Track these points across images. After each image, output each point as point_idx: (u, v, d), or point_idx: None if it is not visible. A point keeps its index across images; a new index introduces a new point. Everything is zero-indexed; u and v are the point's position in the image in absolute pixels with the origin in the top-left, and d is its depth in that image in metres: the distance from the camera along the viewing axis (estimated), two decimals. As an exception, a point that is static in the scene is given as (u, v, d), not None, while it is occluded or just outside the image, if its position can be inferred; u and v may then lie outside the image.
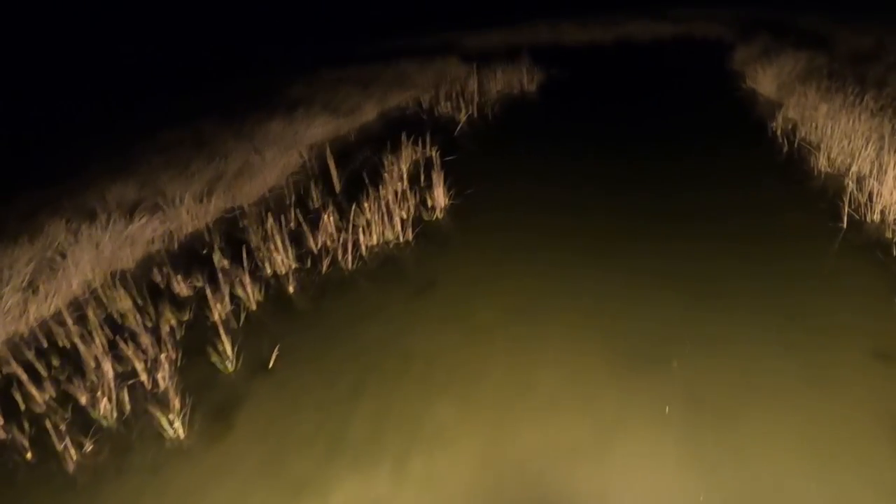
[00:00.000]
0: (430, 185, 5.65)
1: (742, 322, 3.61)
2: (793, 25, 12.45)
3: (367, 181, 5.93)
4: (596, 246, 4.68)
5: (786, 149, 6.44)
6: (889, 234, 4.52)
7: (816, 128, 6.61)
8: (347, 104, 9.05)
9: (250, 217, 5.52)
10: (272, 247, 4.70)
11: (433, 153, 6.78)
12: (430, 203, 5.57)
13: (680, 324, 3.63)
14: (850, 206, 4.82)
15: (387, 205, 5.22)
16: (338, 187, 6.13)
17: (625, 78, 10.74)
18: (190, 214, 5.70)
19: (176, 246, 5.29)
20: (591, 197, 5.63)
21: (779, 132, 6.95)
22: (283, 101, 9.67)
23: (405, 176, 6.08)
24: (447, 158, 6.64)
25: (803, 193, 5.41)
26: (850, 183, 5.16)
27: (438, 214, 5.48)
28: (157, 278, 4.59)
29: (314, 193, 5.85)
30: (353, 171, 6.58)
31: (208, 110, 9.74)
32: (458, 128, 7.95)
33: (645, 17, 14.58)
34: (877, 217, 4.75)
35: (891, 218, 4.70)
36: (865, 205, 4.86)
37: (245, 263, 4.51)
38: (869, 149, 5.62)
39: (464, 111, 8.50)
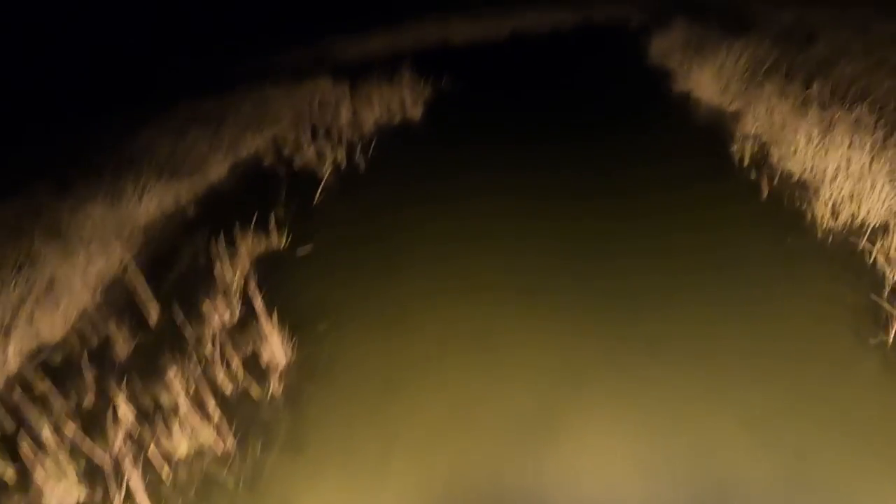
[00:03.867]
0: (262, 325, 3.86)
1: None
2: (705, 2, 11.50)
3: (185, 312, 4.28)
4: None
5: (766, 191, 4.87)
6: None
7: (796, 153, 5.15)
8: (193, 156, 7.43)
9: (57, 372, 4.01)
10: (48, 469, 3.08)
11: (281, 242, 5.35)
12: (262, 362, 3.77)
13: None
14: (888, 301, 3.27)
15: (201, 373, 3.67)
16: (153, 320, 4.50)
17: (530, 88, 9.27)
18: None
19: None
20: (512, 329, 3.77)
21: (746, 160, 5.45)
22: (115, 158, 7.81)
23: (237, 296, 4.56)
24: (298, 249, 5.19)
25: (811, 277, 3.84)
26: (874, 250, 3.75)
27: (275, 386, 3.57)
28: None
29: (120, 337, 4.25)
30: (179, 282, 5.02)
31: (38, 176, 7.71)
32: (321, 188, 6.41)
33: (541, 3, 13.34)
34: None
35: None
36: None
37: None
38: (885, 190, 4.24)
39: (329, 159, 7.04)
